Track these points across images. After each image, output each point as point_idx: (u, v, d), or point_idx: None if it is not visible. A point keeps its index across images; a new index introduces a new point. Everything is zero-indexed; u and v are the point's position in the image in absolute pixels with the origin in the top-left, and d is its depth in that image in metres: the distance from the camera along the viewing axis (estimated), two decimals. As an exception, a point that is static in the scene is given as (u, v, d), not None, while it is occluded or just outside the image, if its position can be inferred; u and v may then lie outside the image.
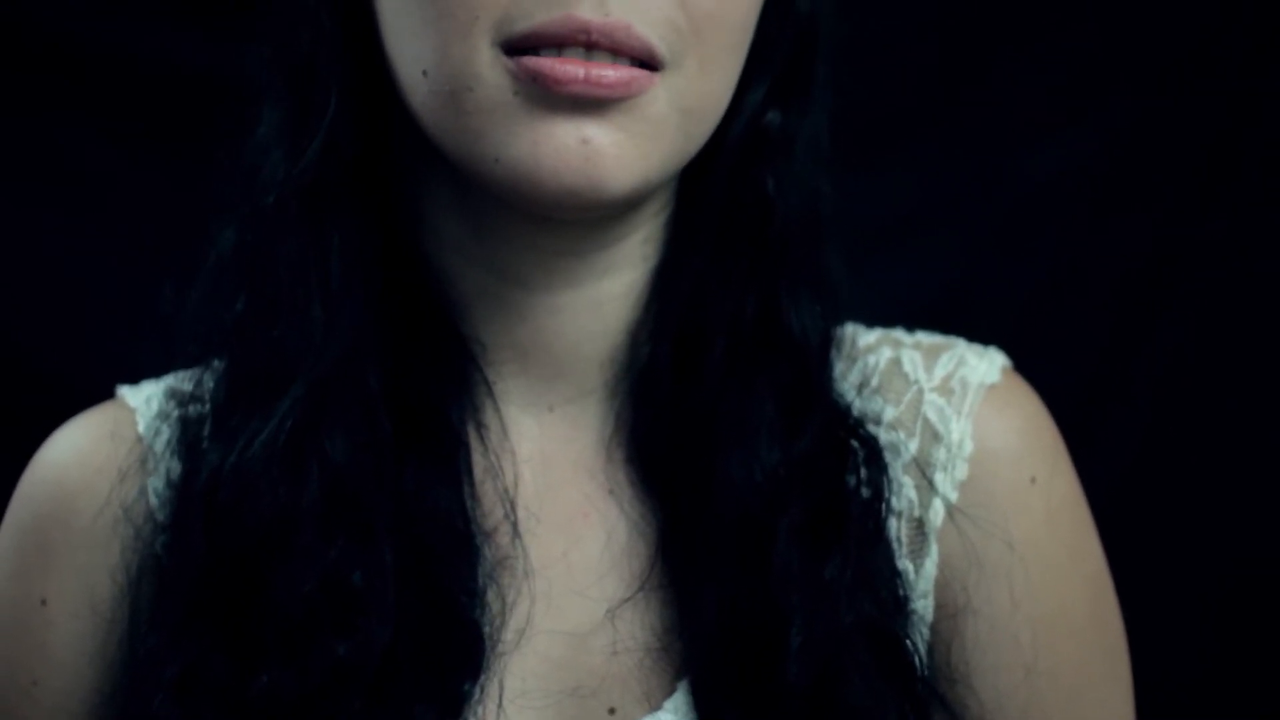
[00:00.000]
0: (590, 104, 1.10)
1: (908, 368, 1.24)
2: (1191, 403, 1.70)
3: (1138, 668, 1.26)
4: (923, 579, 1.20)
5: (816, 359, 1.22)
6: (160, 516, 1.22)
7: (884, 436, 1.22)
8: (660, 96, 1.12)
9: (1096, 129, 1.71)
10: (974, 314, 1.49)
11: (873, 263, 1.42)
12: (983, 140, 1.71)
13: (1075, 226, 1.71)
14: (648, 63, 1.11)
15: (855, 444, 1.20)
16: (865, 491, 1.19)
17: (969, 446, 1.21)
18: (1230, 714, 1.69)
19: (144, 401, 1.26)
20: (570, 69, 1.09)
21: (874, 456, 1.20)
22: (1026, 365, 1.28)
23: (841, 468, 1.19)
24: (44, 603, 1.22)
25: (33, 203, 1.69)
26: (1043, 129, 1.71)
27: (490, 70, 1.10)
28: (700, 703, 1.16)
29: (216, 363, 1.23)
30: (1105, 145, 1.71)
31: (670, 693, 1.17)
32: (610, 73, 1.09)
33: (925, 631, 1.20)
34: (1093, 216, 1.71)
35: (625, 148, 1.11)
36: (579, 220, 1.17)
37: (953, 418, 1.22)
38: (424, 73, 1.13)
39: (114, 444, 1.23)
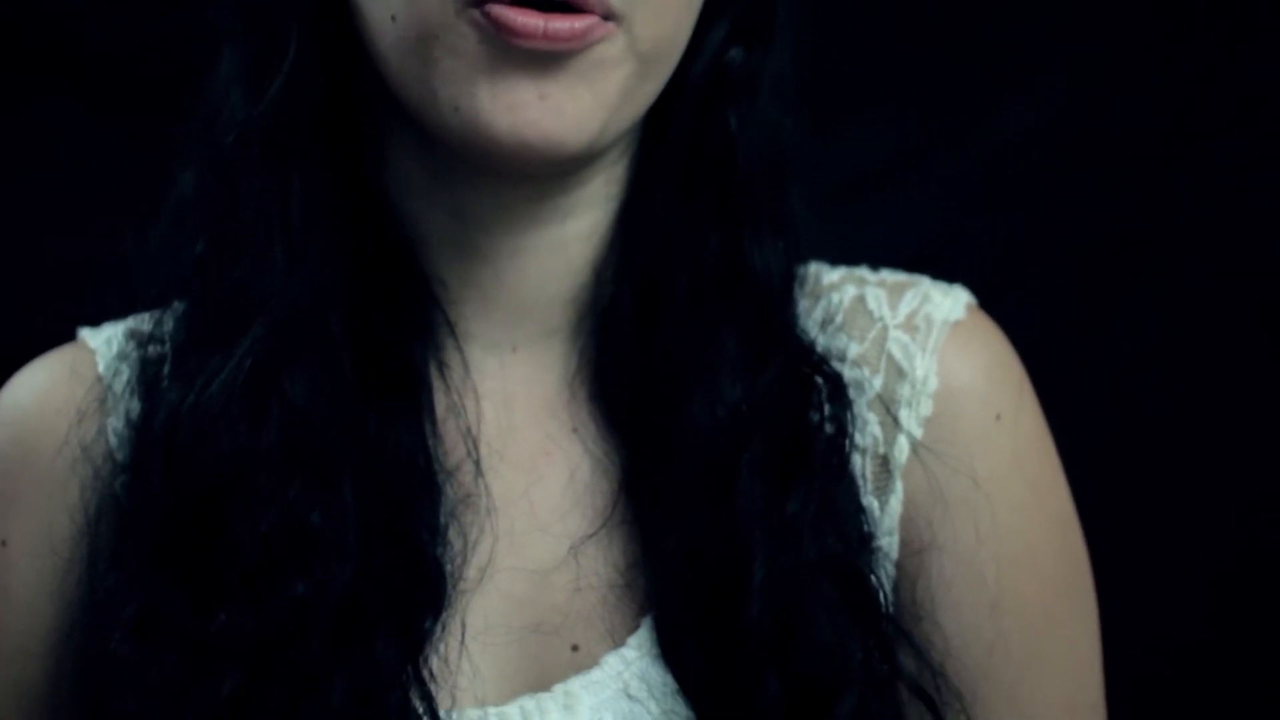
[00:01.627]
0: (549, 59, 1.10)
1: (872, 305, 1.24)
2: (1166, 357, 1.70)
3: (1107, 620, 1.26)
4: (887, 516, 1.20)
5: (779, 297, 1.21)
6: (119, 456, 1.21)
7: (848, 373, 1.21)
8: (618, 44, 1.11)
9: (1068, 85, 1.71)
10: (946, 270, 1.48)
11: (844, 220, 1.41)
12: (954, 96, 1.71)
13: (1048, 182, 1.71)
14: (603, 16, 1.11)
15: (819, 380, 1.19)
16: (829, 428, 1.19)
17: (934, 383, 1.21)
18: (1202, 664, 1.69)
19: (104, 342, 1.25)
20: (532, 22, 1.09)
21: (838, 392, 1.19)
22: (999, 321, 1.27)
23: (805, 404, 1.19)
24: (4, 544, 1.22)
25: (31, 198, 1.70)
26: (1014, 85, 1.71)
27: (457, 19, 1.10)
28: (664, 639, 1.15)
29: (177, 304, 1.22)
30: (1077, 102, 1.71)
31: (634, 629, 1.17)
32: (565, 25, 1.09)
33: (890, 569, 1.20)
34: (1065, 172, 1.71)
35: (584, 101, 1.11)
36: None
37: (917, 354, 1.21)
38: (392, 18, 1.12)
39: (73, 385, 1.23)
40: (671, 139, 1.21)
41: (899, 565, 1.20)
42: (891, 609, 1.19)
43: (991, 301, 1.28)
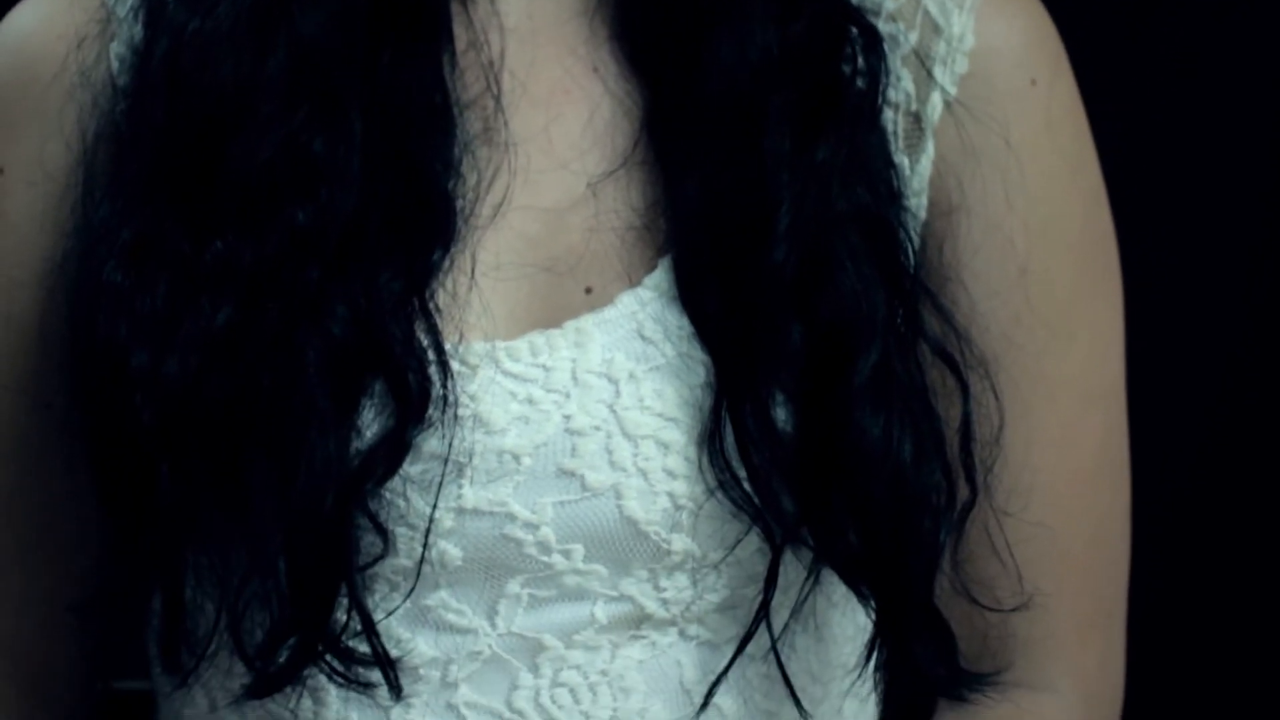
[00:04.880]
0: None
1: None
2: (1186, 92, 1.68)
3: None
4: (917, 176, 1.16)
5: None
6: (120, 81, 1.17)
7: (882, 27, 1.16)
8: None
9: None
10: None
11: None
12: None
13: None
14: None
15: (853, 31, 1.15)
16: (861, 81, 1.15)
17: (970, 41, 1.17)
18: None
19: None
20: None
21: (873, 44, 1.15)
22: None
23: (837, 54, 1.15)
24: (1, 171, 1.19)
25: None
26: None
27: None
28: (682, 280, 1.12)
29: None
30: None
31: (651, 269, 1.13)
32: None
33: (918, 229, 1.16)
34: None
35: None
36: None
37: (954, 10, 1.17)
38: None
39: (74, 9, 1.19)
40: None
41: (926, 226, 1.16)
42: (918, 270, 1.15)
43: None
